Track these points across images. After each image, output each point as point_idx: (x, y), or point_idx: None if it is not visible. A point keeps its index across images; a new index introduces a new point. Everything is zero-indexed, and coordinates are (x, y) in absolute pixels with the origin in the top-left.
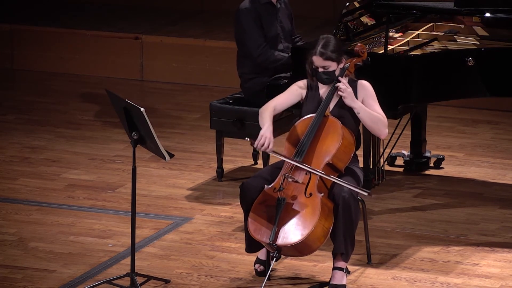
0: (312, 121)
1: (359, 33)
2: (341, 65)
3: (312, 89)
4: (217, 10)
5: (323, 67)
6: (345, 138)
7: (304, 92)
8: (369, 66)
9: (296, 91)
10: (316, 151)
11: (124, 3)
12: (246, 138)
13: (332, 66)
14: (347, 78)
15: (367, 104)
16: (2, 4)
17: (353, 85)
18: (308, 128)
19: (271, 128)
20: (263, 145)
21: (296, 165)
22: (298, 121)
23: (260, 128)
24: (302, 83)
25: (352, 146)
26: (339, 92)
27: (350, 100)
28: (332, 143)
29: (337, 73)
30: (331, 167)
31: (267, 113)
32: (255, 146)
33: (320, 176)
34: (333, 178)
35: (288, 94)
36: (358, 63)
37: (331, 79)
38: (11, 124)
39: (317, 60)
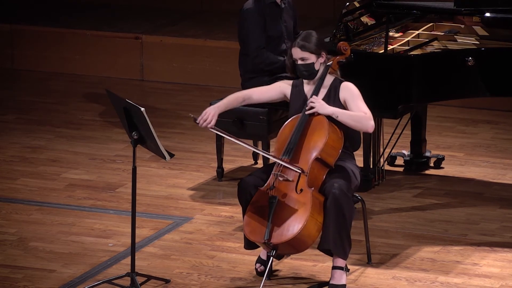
0: (299, 119)
1: (359, 33)
2: (322, 60)
3: (297, 87)
4: (217, 10)
5: (302, 59)
6: (332, 133)
7: (288, 90)
8: (369, 66)
9: (278, 88)
10: (304, 147)
11: (124, 3)
12: (190, 114)
13: (311, 58)
14: (333, 77)
15: (351, 104)
16: (2, 4)
17: (337, 86)
18: (295, 127)
19: (219, 108)
20: (205, 121)
21: (265, 156)
22: (286, 122)
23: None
24: (287, 83)
25: (340, 141)
26: (311, 110)
27: (322, 110)
28: (319, 138)
29: (316, 67)
30: (320, 162)
31: (232, 96)
32: (197, 122)
33: (289, 167)
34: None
35: (268, 88)
36: (341, 60)
37: (310, 73)
38: (11, 124)
39: (296, 52)
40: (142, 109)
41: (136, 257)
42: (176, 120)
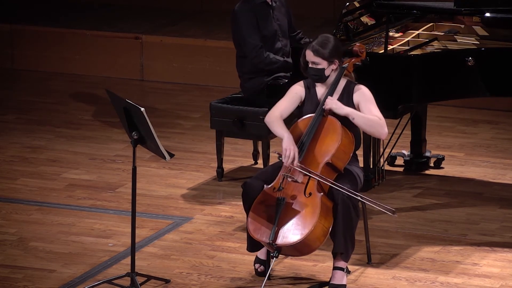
0: (311, 121)
1: (359, 33)
2: (334, 67)
3: (309, 89)
4: (217, 10)
5: (313, 63)
6: (345, 138)
7: (302, 94)
8: (369, 66)
9: (295, 96)
10: (315, 151)
11: (124, 3)
12: (275, 152)
13: (322, 64)
14: (346, 79)
15: (363, 108)
16: (2, 4)
17: (351, 88)
18: (308, 128)
19: (291, 137)
20: (289, 157)
21: (311, 176)
22: (297, 121)
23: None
24: (300, 85)
25: (351, 145)
26: (329, 110)
27: (339, 110)
28: (332, 143)
29: (327, 73)
30: (330, 167)
31: (279, 123)
32: (284, 161)
33: (327, 182)
34: (339, 187)
35: (288, 100)
36: (357, 63)
37: (319, 77)
38: (11, 124)
39: (309, 55)
40: (142, 109)
41: (136, 257)
42: (176, 120)
